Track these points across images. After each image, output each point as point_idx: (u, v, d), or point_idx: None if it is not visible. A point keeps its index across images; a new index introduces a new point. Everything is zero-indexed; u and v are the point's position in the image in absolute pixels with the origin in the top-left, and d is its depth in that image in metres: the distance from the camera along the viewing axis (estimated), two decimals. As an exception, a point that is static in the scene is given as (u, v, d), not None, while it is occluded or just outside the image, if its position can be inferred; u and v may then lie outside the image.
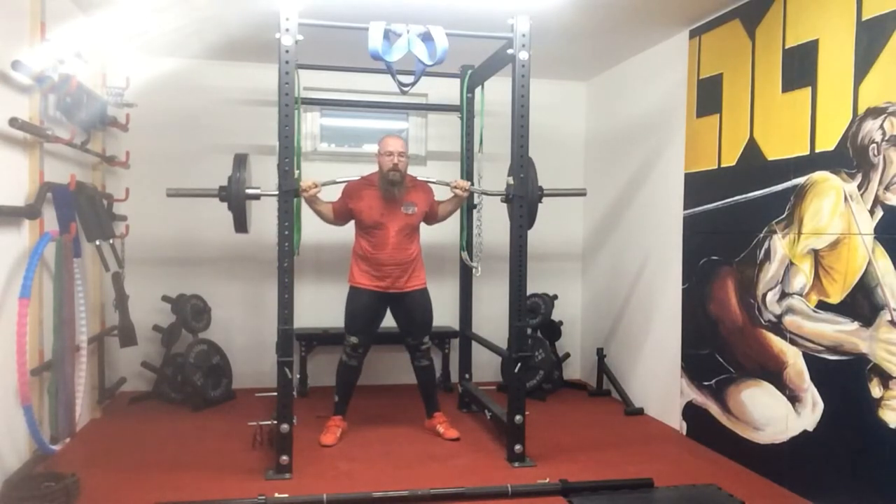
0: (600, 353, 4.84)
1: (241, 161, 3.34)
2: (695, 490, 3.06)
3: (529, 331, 4.60)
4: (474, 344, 4.45)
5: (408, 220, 3.68)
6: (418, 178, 3.79)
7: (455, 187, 3.72)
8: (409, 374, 4.09)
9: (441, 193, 3.85)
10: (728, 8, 3.55)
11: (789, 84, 3.13)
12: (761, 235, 3.29)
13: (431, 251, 4.35)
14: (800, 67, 3.06)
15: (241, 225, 3.38)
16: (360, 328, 3.73)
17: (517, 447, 3.41)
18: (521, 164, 3.40)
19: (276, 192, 3.21)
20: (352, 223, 3.77)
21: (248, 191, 3.31)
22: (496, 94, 4.12)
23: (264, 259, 4.57)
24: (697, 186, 3.81)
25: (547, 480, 3.08)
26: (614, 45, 4.35)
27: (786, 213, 3.13)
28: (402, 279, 3.70)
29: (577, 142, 5.37)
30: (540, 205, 3.58)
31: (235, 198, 3.27)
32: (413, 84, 3.41)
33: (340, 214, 3.72)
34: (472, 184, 3.95)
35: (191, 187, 3.55)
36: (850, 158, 2.78)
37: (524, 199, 3.43)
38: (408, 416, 4.16)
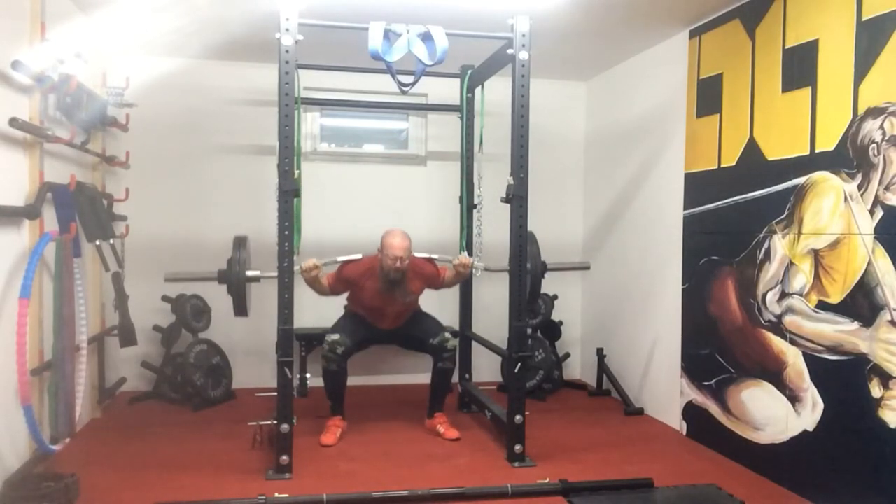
0: (600, 353, 4.84)
1: (240, 243, 3.34)
2: (695, 490, 3.06)
3: (529, 331, 4.60)
4: (474, 344, 4.44)
5: (406, 307, 3.83)
6: (419, 257, 3.75)
7: (458, 265, 3.75)
8: (409, 374, 4.10)
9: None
10: (728, 8, 3.55)
11: (789, 84, 3.13)
12: (761, 235, 3.29)
13: (431, 251, 4.33)
14: (800, 67, 3.06)
15: (241, 308, 3.34)
16: (346, 330, 3.79)
17: (517, 447, 3.41)
18: (521, 165, 3.39)
19: (276, 275, 3.17)
20: None
21: (249, 273, 3.31)
22: (496, 94, 4.12)
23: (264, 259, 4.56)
24: (697, 186, 3.81)
25: (547, 480, 3.08)
26: (614, 45, 4.34)
27: (786, 213, 3.13)
28: (400, 321, 3.87)
29: (577, 142, 5.37)
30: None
31: (236, 281, 3.25)
32: (413, 84, 3.40)
33: (337, 292, 3.81)
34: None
35: (190, 270, 3.65)
36: (850, 158, 2.78)
37: (524, 200, 3.42)
38: (408, 416, 4.16)
